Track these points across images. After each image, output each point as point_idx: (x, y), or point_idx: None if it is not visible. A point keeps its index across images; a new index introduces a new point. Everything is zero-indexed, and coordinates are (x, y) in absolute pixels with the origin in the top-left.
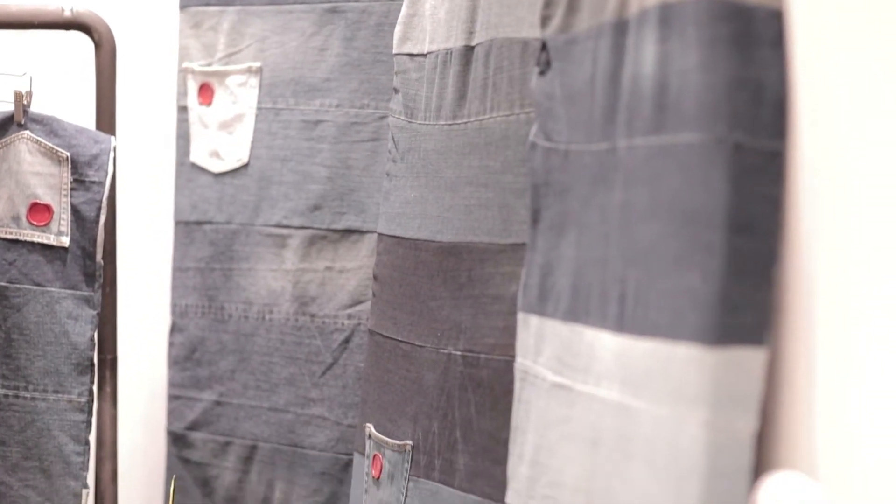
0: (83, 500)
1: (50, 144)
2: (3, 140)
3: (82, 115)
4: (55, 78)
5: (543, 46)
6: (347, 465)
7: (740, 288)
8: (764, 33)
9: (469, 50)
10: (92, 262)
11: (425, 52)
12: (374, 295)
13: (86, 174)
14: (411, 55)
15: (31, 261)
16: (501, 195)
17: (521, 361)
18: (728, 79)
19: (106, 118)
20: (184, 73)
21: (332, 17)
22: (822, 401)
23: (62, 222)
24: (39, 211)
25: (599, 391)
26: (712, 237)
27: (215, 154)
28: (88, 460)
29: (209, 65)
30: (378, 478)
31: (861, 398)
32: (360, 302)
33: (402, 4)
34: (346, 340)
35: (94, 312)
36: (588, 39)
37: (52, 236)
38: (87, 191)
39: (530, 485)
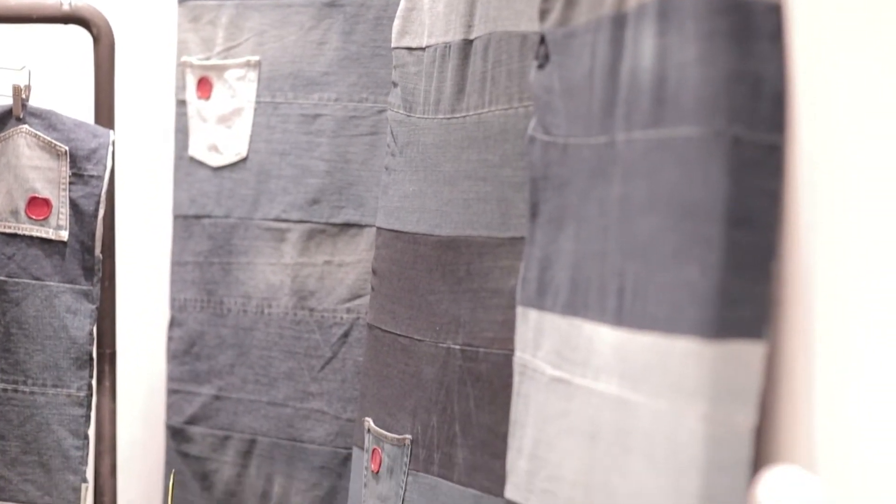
0: (82, 495)
1: (48, 138)
2: (2, 134)
3: (81, 109)
4: (54, 72)
5: (542, 40)
6: (346, 459)
7: (739, 281)
8: (762, 27)
9: (468, 44)
10: (91, 257)
11: (424, 45)
12: (372, 289)
13: (84, 168)
14: (410, 49)
15: (30, 255)
16: (500, 189)
17: (520, 355)
18: (727, 72)
19: (104, 112)
20: (182, 66)
21: (330, 11)
22: (821, 395)
23: (61, 216)
24: (38, 205)
25: (598, 385)
26: (711, 231)
27: (214, 148)
28: (87, 454)
29: (208, 59)
30: (377, 472)
31: (860, 392)
32: (359, 296)
33: None
34: (345, 334)
35: (93, 307)
36: (587, 33)
37: (51, 230)
38: (85, 185)
39: (529, 479)
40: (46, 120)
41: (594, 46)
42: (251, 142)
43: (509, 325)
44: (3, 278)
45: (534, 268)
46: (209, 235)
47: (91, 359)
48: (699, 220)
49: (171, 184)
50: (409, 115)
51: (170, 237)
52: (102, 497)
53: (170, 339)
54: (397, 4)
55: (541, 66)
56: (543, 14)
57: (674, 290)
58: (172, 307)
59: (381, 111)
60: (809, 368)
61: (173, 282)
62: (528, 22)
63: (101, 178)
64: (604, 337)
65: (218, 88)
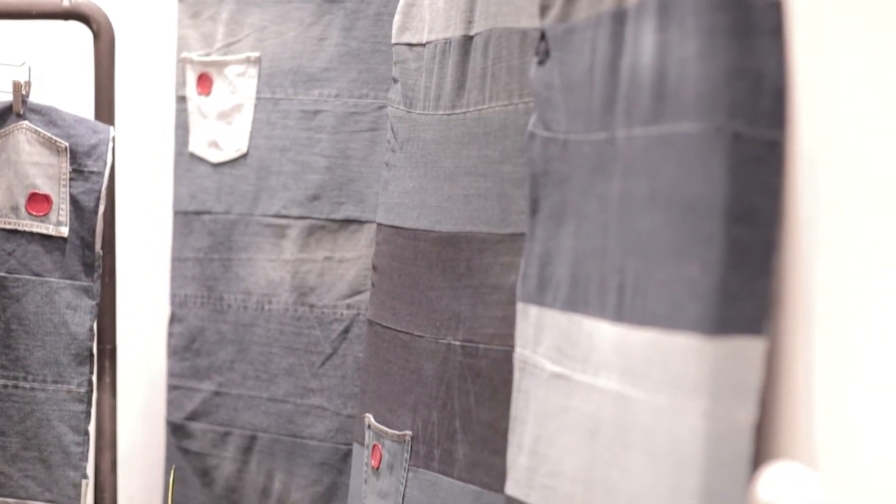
0: (82, 491)
1: (49, 134)
2: (2, 130)
3: (81, 105)
4: (54, 68)
5: (542, 36)
6: (347, 455)
7: (739, 278)
8: (763, 22)
9: (468, 39)
10: (91, 253)
11: (424, 41)
12: (373, 285)
13: (85, 164)
14: (410, 45)
15: (30, 251)
16: (500, 185)
17: (521, 351)
18: (727, 68)
19: (105, 108)
20: (182, 62)
21: (330, 7)
22: (821, 391)
23: (61, 212)
24: (38, 201)
25: (598, 381)
26: (711, 227)
27: (214, 144)
28: (88, 450)
29: (208, 55)
30: (377, 468)
31: (860, 388)
32: (360, 292)
33: None
34: (346, 330)
35: (94, 303)
36: (587, 29)
37: (51, 226)
38: (85, 181)
39: (529, 475)
40: (47, 116)
41: (594, 42)
42: (251, 138)
43: (509, 322)
44: (3, 274)
45: (534, 264)
46: (209, 232)
47: (91, 355)
48: (699, 217)
49: (171, 180)
50: (409, 112)
51: (170, 233)
52: (103, 493)
53: (170, 335)
54: (397, 0)
55: (541, 63)
56: (544, 10)
57: (674, 286)
58: (173, 303)
59: (382, 107)
60: (810, 365)
61: (173, 278)
62: (528, 18)
63: (101, 174)
64: (604, 333)
65: (218, 84)
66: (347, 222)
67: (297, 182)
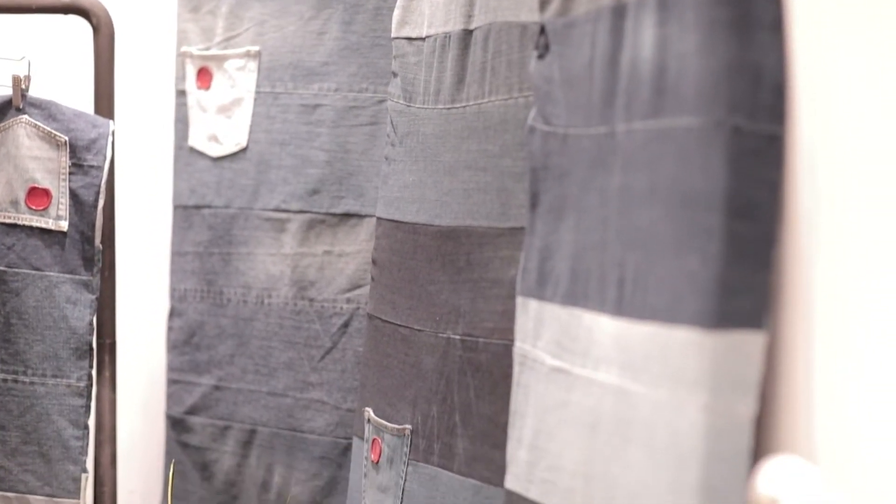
0: (82, 485)
1: (48, 129)
2: (2, 124)
3: (81, 99)
4: (53, 62)
5: (542, 30)
6: (346, 449)
7: (739, 272)
8: (763, 16)
9: (468, 34)
10: (91, 247)
11: (424, 35)
12: (372, 279)
13: (84, 158)
14: (410, 39)
15: (30, 245)
16: (500, 179)
17: (520, 345)
18: (727, 62)
19: (104, 102)
20: (182, 57)
21: (330, 1)
22: (820, 385)
23: (61, 206)
24: (38, 195)
25: (598, 375)
26: (711, 221)
27: (214, 138)
28: (87, 445)
29: (207, 49)
30: (377, 462)
31: (860, 382)
32: (359, 286)
33: None
34: (345, 325)
35: (93, 297)
36: (587, 23)
37: (51, 220)
38: (85, 175)
39: (529, 469)
40: (46, 110)
41: (594, 36)
42: (251, 132)
43: (509, 316)
44: (2, 268)
45: (534, 258)
46: (209, 226)
47: (91, 349)
48: (699, 211)
49: (170, 174)
50: (409, 105)
51: (170, 227)
52: (102, 487)
53: (170, 329)
54: None
55: (541, 56)
56: (543, 4)
57: (674, 280)
58: (172, 297)
59: (381, 101)
60: (809, 359)
61: (173, 272)
62: (528, 12)
63: (100, 168)
64: (604, 327)
65: (218, 78)
66: (347, 216)
67: (297, 176)
